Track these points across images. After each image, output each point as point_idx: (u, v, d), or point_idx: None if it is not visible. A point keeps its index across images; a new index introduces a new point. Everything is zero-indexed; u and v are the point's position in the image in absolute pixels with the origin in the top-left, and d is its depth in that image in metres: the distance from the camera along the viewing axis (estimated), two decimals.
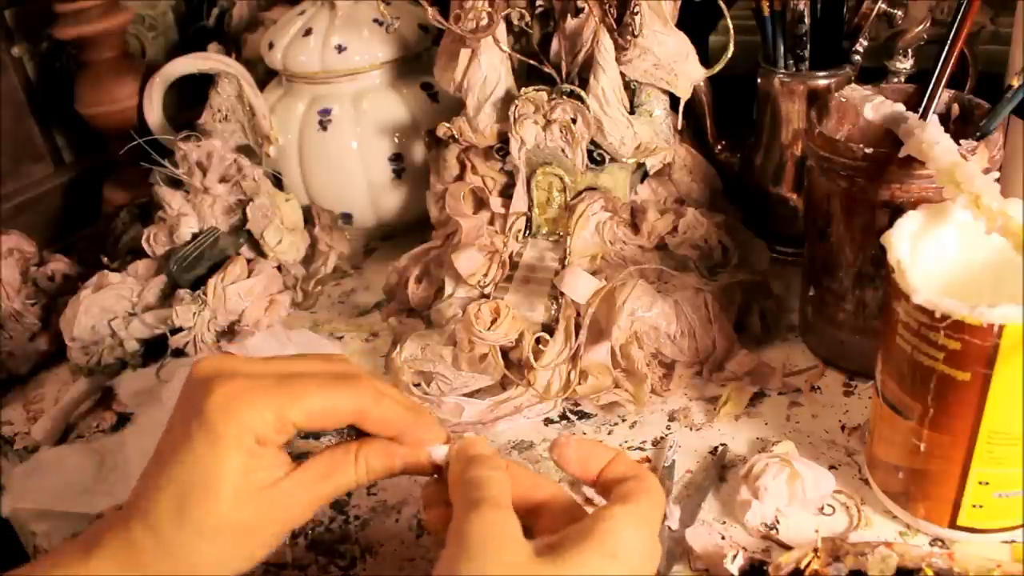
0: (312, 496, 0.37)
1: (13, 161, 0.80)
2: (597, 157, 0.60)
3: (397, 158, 0.70)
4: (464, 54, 0.60)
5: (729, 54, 0.58)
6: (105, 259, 0.69)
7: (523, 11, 0.59)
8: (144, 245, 0.66)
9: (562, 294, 0.56)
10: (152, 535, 0.35)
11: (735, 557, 0.41)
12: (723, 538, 0.44)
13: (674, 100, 0.61)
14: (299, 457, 0.38)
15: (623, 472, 0.36)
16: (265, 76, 0.76)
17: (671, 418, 0.53)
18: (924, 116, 0.48)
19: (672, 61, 0.58)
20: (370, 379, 0.38)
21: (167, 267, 0.64)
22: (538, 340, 0.54)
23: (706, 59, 0.60)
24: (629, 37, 0.57)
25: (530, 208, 0.62)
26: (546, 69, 0.60)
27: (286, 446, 0.37)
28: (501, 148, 0.62)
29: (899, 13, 0.60)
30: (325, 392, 0.37)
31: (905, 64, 0.61)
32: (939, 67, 0.49)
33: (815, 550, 0.40)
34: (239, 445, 0.35)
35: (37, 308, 0.66)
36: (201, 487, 0.35)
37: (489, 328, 0.53)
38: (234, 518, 0.36)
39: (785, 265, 0.64)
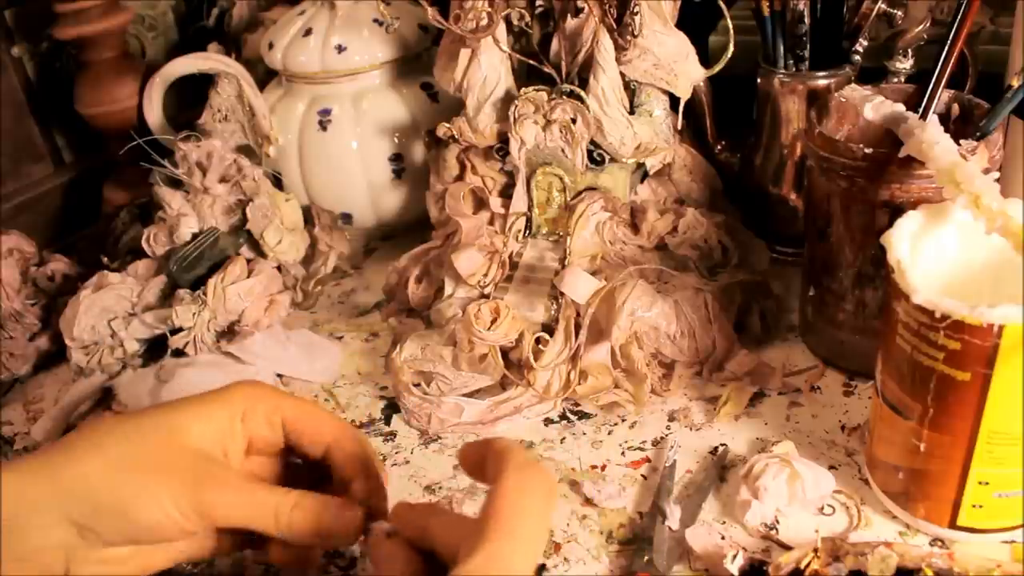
0: (238, 501, 0.37)
1: (13, 161, 0.80)
2: (597, 157, 0.60)
3: (397, 158, 0.70)
4: (464, 54, 0.60)
5: (729, 54, 0.58)
6: (105, 259, 0.69)
7: (523, 11, 0.59)
8: (144, 245, 0.66)
9: (562, 294, 0.56)
10: (89, 430, 0.37)
11: (735, 557, 0.41)
12: (723, 538, 0.44)
13: (674, 100, 0.61)
14: None
15: (495, 462, 0.35)
16: (265, 76, 0.76)
17: (671, 418, 0.53)
18: (924, 116, 0.48)
19: (672, 61, 0.58)
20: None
21: (167, 267, 0.64)
22: (538, 340, 0.54)
23: (706, 59, 0.60)
24: (629, 37, 0.57)
25: (530, 208, 0.62)
26: (546, 69, 0.60)
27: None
28: (501, 148, 0.62)
29: (899, 13, 0.60)
30: (320, 412, 0.42)
31: (905, 64, 0.61)
32: (939, 67, 0.49)
33: (815, 550, 0.40)
34: (226, 405, 0.39)
35: (37, 308, 0.66)
36: (171, 407, 0.38)
37: (489, 328, 0.53)
38: (160, 443, 0.37)
39: (785, 265, 0.64)
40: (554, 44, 0.61)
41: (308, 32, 0.70)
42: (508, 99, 0.60)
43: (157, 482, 0.36)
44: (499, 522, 0.32)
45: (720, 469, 0.49)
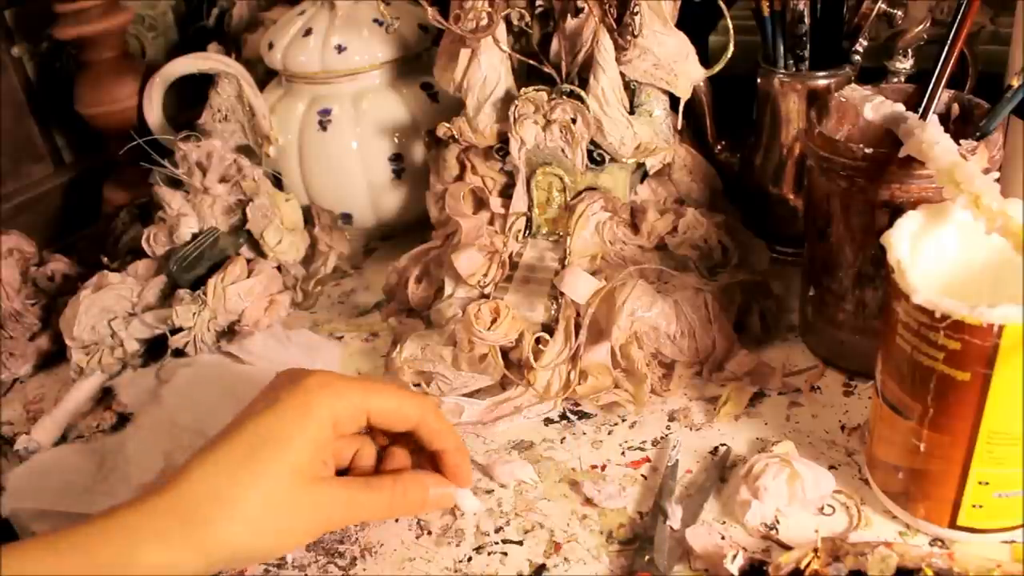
0: (349, 502, 0.41)
1: (13, 161, 0.80)
2: (597, 157, 0.60)
3: (397, 158, 0.70)
4: (464, 54, 0.60)
5: (729, 54, 0.58)
6: (105, 259, 0.69)
7: (523, 11, 0.59)
8: (144, 245, 0.66)
9: (562, 294, 0.56)
10: (208, 482, 0.38)
11: (735, 557, 0.41)
12: (723, 538, 0.44)
13: (674, 100, 0.61)
14: None
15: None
16: (265, 76, 0.76)
17: (671, 418, 0.53)
18: (924, 116, 0.48)
19: (672, 61, 0.58)
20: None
21: (167, 267, 0.64)
22: (538, 340, 0.54)
23: (706, 59, 0.60)
24: (629, 37, 0.57)
25: (530, 208, 0.62)
26: (546, 69, 0.60)
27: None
28: (501, 148, 0.62)
29: (899, 13, 0.60)
30: (399, 396, 0.44)
31: (905, 64, 0.61)
32: (939, 67, 0.49)
33: (815, 550, 0.40)
34: (321, 424, 0.40)
35: (37, 308, 0.67)
36: (276, 442, 0.39)
37: (489, 328, 0.53)
38: (288, 488, 0.39)
39: (785, 265, 0.64)
40: (554, 44, 0.61)
41: (308, 32, 0.70)
42: (508, 99, 0.60)
43: (292, 534, 0.40)
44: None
45: (720, 469, 0.49)
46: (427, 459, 0.47)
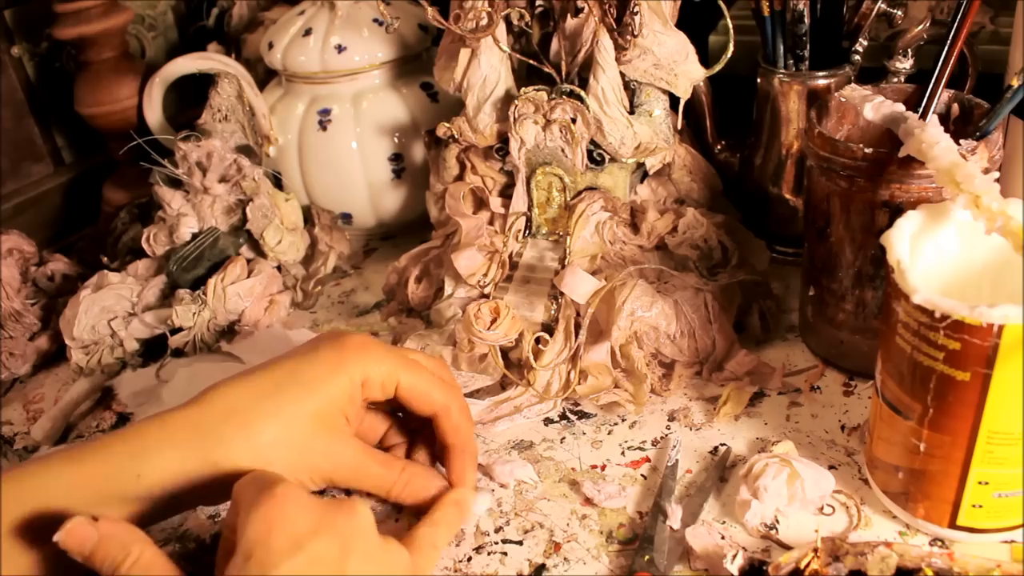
0: (357, 465, 0.43)
1: (13, 161, 0.80)
2: (597, 157, 0.60)
3: (397, 158, 0.70)
4: (464, 54, 0.60)
5: (729, 54, 0.58)
6: (105, 259, 0.69)
7: (523, 11, 0.59)
8: (144, 245, 0.66)
9: (562, 294, 0.56)
10: (230, 404, 0.40)
11: (735, 557, 0.41)
12: (723, 538, 0.44)
13: (674, 100, 0.61)
14: None
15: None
16: (265, 76, 0.76)
17: (671, 418, 0.53)
18: (924, 116, 0.48)
19: (672, 61, 0.58)
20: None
21: (167, 267, 0.64)
22: (538, 340, 0.54)
23: (706, 59, 0.60)
24: (629, 37, 0.57)
25: (530, 208, 0.62)
26: (546, 69, 0.60)
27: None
28: (501, 148, 0.62)
29: (899, 13, 0.60)
30: (430, 379, 0.45)
31: (905, 64, 0.61)
32: (939, 67, 0.49)
33: (815, 550, 0.40)
34: (351, 380, 0.42)
35: (37, 308, 0.67)
36: (303, 384, 0.41)
37: (489, 328, 0.53)
38: (304, 428, 0.40)
39: (785, 265, 0.64)
40: (554, 44, 0.61)
41: (308, 32, 0.70)
42: (508, 99, 0.60)
43: (295, 472, 0.41)
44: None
45: (720, 469, 0.49)
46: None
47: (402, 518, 0.47)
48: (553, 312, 0.57)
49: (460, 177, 0.64)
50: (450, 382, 0.47)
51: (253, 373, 0.42)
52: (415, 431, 0.49)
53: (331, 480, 0.43)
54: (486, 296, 0.58)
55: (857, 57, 0.61)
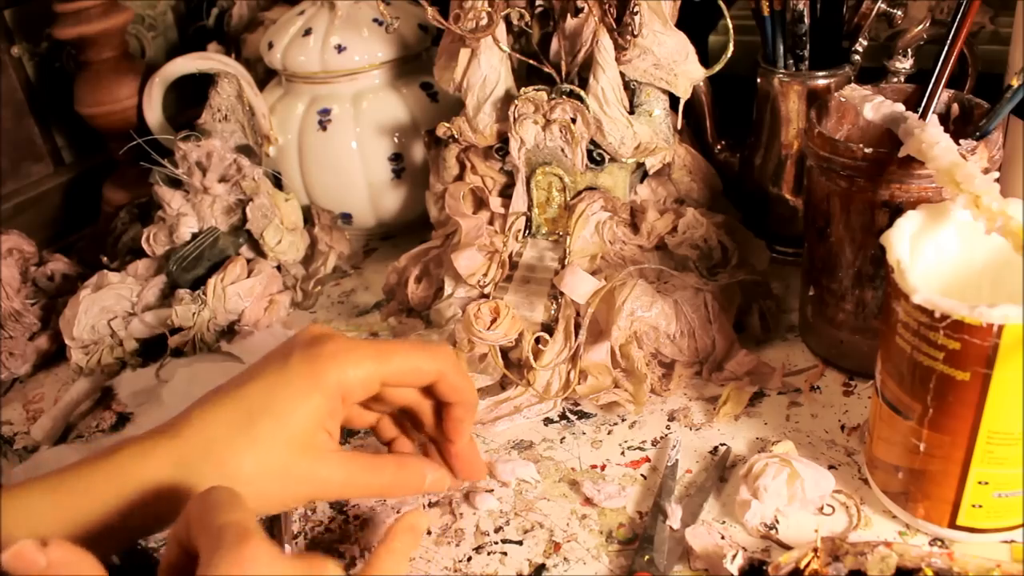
0: (346, 480, 0.41)
1: (13, 161, 0.80)
2: (597, 157, 0.60)
3: (397, 158, 0.70)
4: (464, 54, 0.60)
5: (729, 54, 0.58)
6: (105, 259, 0.69)
7: (523, 11, 0.59)
8: (144, 245, 0.66)
9: (562, 294, 0.56)
10: (206, 439, 0.39)
11: (735, 557, 0.41)
12: (723, 538, 0.44)
13: (674, 100, 0.61)
14: None
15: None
16: (265, 76, 0.76)
17: (671, 418, 0.53)
18: (924, 116, 0.48)
19: (672, 61, 0.58)
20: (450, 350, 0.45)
21: (167, 267, 0.64)
22: (538, 340, 0.54)
23: (706, 59, 0.60)
24: (629, 37, 0.57)
25: (530, 208, 0.62)
26: (546, 69, 0.60)
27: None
28: (501, 148, 0.62)
29: (899, 13, 0.60)
30: (414, 355, 0.42)
31: (905, 64, 0.61)
32: (939, 67, 0.49)
33: (815, 550, 0.40)
34: (328, 396, 0.40)
35: (37, 308, 0.66)
36: (277, 413, 0.39)
37: (489, 328, 0.53)
38: (283, 457, 0.39)
39: (785, 265, 0.64)
40: (554, 44, 0.61)
41: (308, 32, 0.70)
42: (508, 99, 0.60)
43: (281, 500, 0.41)
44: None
45: (720, 469, 0.49)
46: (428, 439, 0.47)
47: None
48: (553, 312, 0.57)
49: (460, 177, 0.64)
50: (435, 348, 0.44)
51: (227, 398, 0.40)
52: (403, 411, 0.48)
53: (318, 498, 0.43)
54: (486, 296, 0.58)
55: (857, 57, 0.61)
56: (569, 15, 0.59)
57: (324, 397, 0.40)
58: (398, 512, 0.49)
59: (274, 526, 0.48)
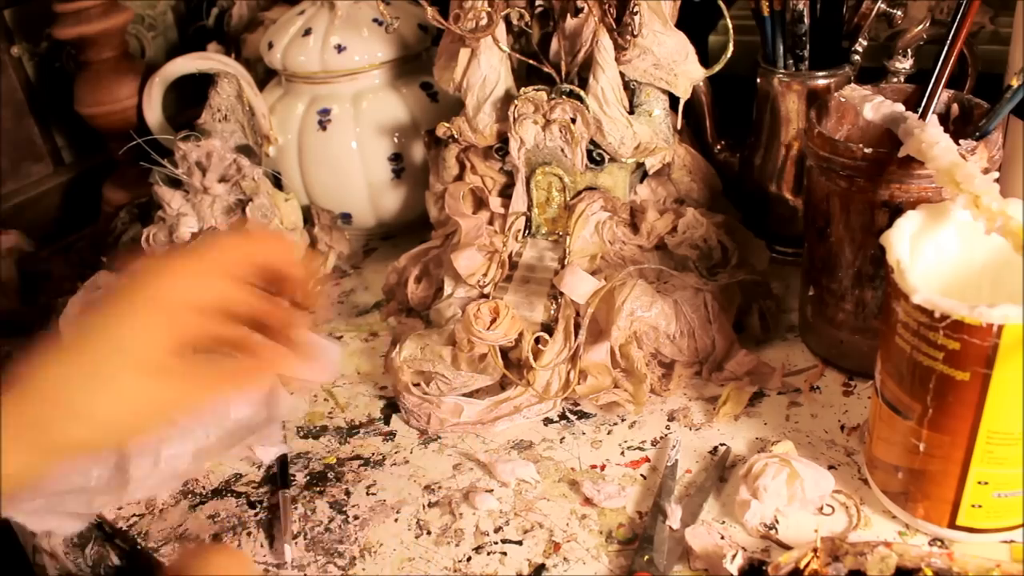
0: (211, 385, 0.42)
1: (13, 161, 0.80)
2: (596, 157, 0.60)
3: (397, 158, 0.70)
4: (464, 54, 0.60)
5: (729, 54, 0.58)
6: (105, 259, 0.69)
7: (523, 11, 0.59)
8: (144, 245, 0.66)
9: (561, 294, 0.56)
10: (59, 392, 0.38)
11: (735, 557, 0.41)
12: (723, 538, 0.44)
13: (674, 100, 0.61)
14: None
15: None
16: (265, 76, 0.76)
17: (671, 418, 0.53)
18: (924, 116, 0.48)
19: (672, 61, 0.58)
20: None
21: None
22: (537, 340, 0.54)
23: (706, 59, 0.60)
24: (629, 37, 0.57)
25: (530, 208, 0.62)
26: (546, 69, 0.60)
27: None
28: (501, 148, 0.62)
29: (899, 13, 0.60)
30: (231, 245, 0.43)
31: (905, 64, 0.61)
32: (939, 67, 0.49)
33: (814, 550, 0.40)
34: (167, 314, 0.40)
35: (36, 308, 0.66)
36: (119, 347, 0.39)
37: (488, 328, 0.53)
38: (140, 393, 0.39)
39: (785, 265, 0.64)
40: (554, 44, 0.61)
41: (308, 32, 0.70)
42: (508, 99, 0.60)
43: (148, 419, 0.41)
44: None
45: (720, 469, 0.48)
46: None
47: None
48: (553, 312, 0.57)
49: (460, 177, 0.64)
50: (249, 232, 0.45)
51: (72, 349, 0.40)
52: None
53: (187, 412, 0.43)
54: (486, 296, 0.58)
55: (857, 57, 0.61)
56: (569, 15, 0.59)
57: (163, 316, 0.40)
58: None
59: (274, 526, 0.49)
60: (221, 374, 0.43)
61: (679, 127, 0.62)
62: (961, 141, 0.44)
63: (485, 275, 0.59)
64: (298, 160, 0.71)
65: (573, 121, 0.58)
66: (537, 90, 0.58)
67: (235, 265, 0.42)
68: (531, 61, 0.60)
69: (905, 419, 0.41)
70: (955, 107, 0.51)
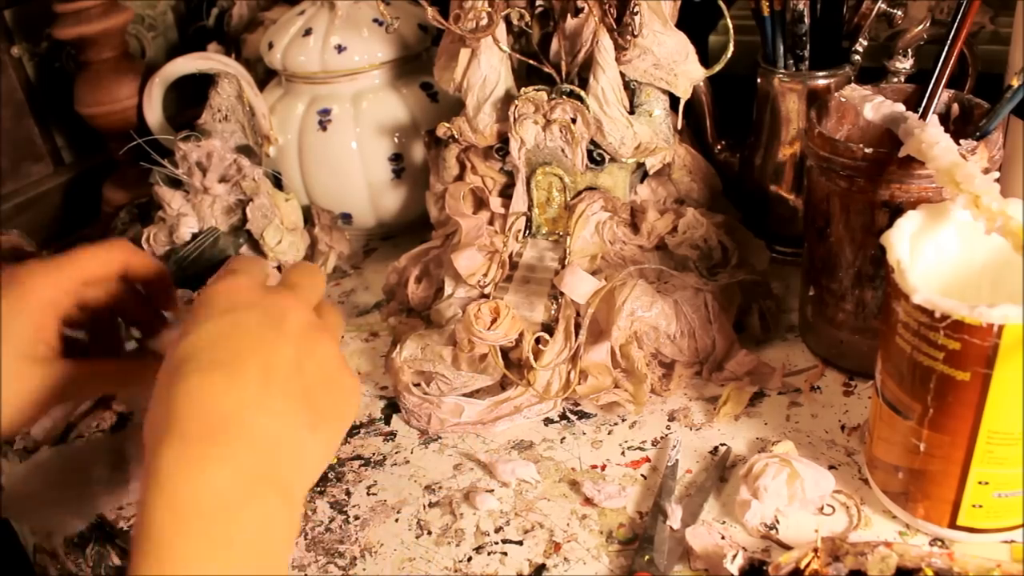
0: (79, 374, 0.43)
1: (13, 161, 0.80)
2: (597, 157, 0.60)
3: (397, 158, 0.70)
4: (464, 54, 0.60)
5: (729, 54, 0.58)
6: None
7: (523, 11, 0.59)
8: (144, 245, 0.66)
9: (562, 294, 0.56)
10: None
11: (735, 557, 0.41)
12: (723, 538, 0.44)
13: (674, 100, 0.61)
14: None
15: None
16: (265, 76, 0.76)
17: (671, 418, 0.53)
18: (924, 116, 0.48)
19: (672, 61, 0.58)
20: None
21: (167, 267, 0.64)
22: (538, 340, 0.54)
23: (706, 59, 0.60)
24: (629, 37, 0.57)
25: (530, 208, 0.62)
26: (546, 69, 0.60)
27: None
28: (501, 148, 0.62)
29: (899, 13, 0.60)
30: (91, 250, 0.45)
31: (905, 64, 0.61)
32: (939, 67, 0.49)
33: (815, 550, 0.40)
34: (31, 313, 0.42)
35: None
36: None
37: (489, 328, 0.53)
38: (12, 378, 0.41)
39: (785, 265, 0.64)
40: (554, 44, 0.61)
41: (308, 32, 0.70)
42: (508, 99, 0.60)
43: (20, 421, 0.42)
44: None
45: (720, 469, 0.49)
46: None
47: None
48: (553, 312, 0.57)
49: (460, 177, 0.64)
50: (108, 240, 0.47)
51: None
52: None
53: (64, 399, 0.44)
54: (486, 296, 0.58)
55: (857, 57, 0.61)
56: (569, 15, 0.59)
57: (27, 315, 0.42)
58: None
59: None
60: (94, 365, 0.45)
61: (679, 127, 0.62)
62: (961, 141, 0.44)
63: (485, 275, 0.59)
64: (298, 160, 0.71)
65: (573, 121, 0.58)
66: (537, 90, 0.58)
67: (90, 268, 0.45)
68: (531, 61, 0.60)
69: (905, 419, 0.41)
70: (955, 107, 0.51)
